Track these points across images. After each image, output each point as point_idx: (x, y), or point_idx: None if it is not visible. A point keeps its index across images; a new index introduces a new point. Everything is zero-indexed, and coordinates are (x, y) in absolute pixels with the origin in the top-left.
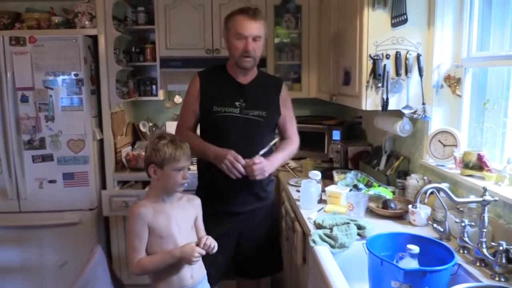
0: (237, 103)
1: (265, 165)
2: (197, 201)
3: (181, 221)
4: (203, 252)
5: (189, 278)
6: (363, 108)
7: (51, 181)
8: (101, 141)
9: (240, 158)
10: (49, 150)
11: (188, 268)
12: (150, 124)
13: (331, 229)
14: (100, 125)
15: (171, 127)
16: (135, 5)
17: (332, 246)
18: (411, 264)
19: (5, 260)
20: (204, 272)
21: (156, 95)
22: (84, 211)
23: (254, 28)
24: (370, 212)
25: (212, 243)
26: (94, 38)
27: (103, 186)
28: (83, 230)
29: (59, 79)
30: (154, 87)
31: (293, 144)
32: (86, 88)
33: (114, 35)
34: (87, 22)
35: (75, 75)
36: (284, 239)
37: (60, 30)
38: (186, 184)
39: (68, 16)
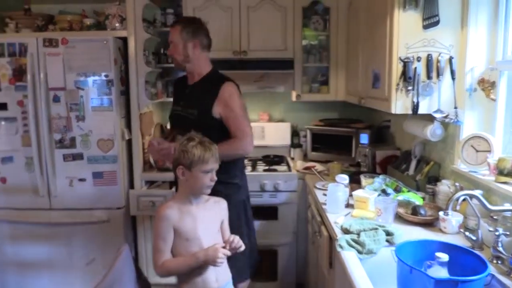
0: (181, 103)
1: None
2: (223, 204)
3: (208, 223)
4: (228, 253)
5: (214, 281)
6: (392, 112)
7: (81, 180)
8: (129, 141)
9: (158, 142)
10: (80, 149)
11: (213, 271)
12: None
13: (358, 234)
14: (128, 125)
15: None
16: (164, 7)
17: (359, 252)
18: (440, 273)
19: (35, 256)
20: (229, 275)
21: None
22: (112, 210)
23: (170, 34)
24: (398, 218)
25: (239, 243)
26: (124, 40)
27: (131, 185)
28: (111, 229)
29: (90, 80)
30: None
31: (231, 142)
32: (116, 89)
33: (144, 37)
34: (117, 24)
35: (106, 76)
36: (310, 242)
37: (91, 32)
38: None
39: (99, 18)
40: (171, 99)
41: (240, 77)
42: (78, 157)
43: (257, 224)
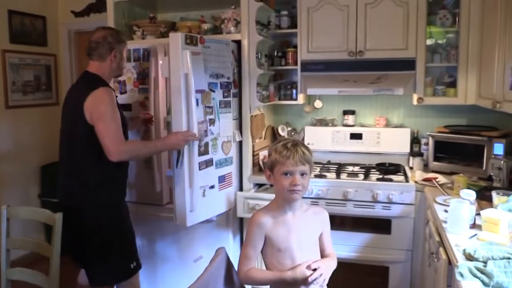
0: None
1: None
2: (324, 215)
3: (303, 235)
4: (314, 278)
5: None
6: None
7: (211, 187)
8: (240, 143)
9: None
10: (210, 155)
11: None
12: (289, 128)
13: (485, 262)
14: (240, 127)
15: (310, 132)
16: (279, 9)
17: (485, 285)
18: None
19: (154, 249)
20: None
21: (296, 99)
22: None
23: None
24: None
25: (318, 275)
26: (238, 43)
27: (240, 187)
28: (219, 228)
29: (218, 81)
30: (294, 91)
31: None
32: (231, 91)
33: (257, 40)
34: (232, 28)
35: (227, 78)
36: (426, 264)
37: (207, 36)
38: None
39: (215, 22)
40: (284, 102)
41: (354, 78)
42: (209, 163)
43: (367, 237)
